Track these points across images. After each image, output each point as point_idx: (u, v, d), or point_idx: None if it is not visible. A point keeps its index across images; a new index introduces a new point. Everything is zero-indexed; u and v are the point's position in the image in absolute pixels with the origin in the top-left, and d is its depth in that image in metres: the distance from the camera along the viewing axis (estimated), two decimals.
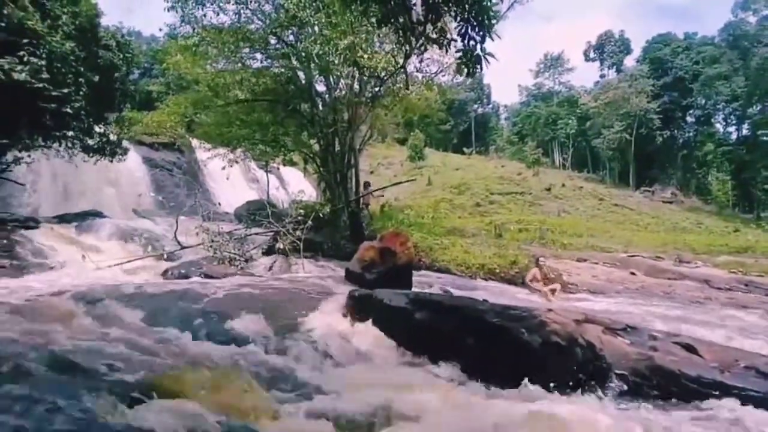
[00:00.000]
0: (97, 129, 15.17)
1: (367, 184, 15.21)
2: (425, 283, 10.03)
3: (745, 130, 58.45)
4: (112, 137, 16.13)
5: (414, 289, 8.03)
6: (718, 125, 61.04)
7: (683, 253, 18.72)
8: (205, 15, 14.62)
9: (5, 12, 10.85)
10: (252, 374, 4.00)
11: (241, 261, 11.19)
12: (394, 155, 55.48)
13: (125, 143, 17.16)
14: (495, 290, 10.83)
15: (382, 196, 15.58)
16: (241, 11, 14.71)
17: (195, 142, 23.46)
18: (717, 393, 4.12)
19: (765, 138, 52.86)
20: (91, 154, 15.29)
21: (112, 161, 16.07)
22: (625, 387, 4.40)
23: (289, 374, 4.13)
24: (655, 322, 7.36)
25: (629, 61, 68.25)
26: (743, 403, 3.94)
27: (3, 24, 10.88)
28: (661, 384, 4.35)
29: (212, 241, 11.53)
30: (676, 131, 59.74)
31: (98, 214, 15.70)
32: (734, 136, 59.72)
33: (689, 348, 4.86)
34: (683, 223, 38.73)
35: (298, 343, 4.89)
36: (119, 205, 20.68)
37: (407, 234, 10.58)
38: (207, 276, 9.34)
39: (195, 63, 15.42)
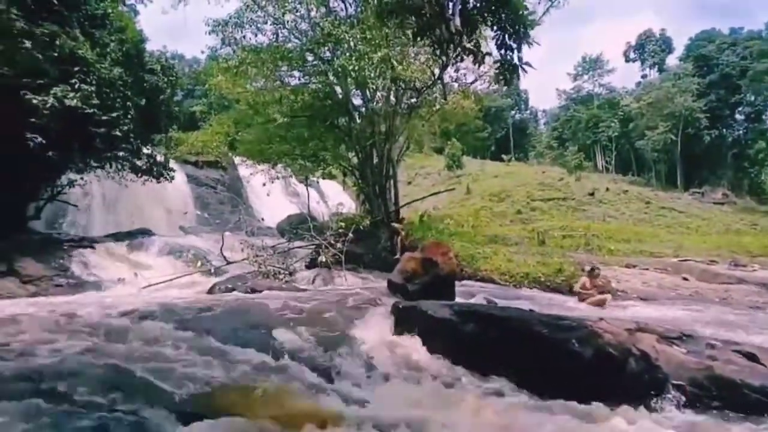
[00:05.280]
0: (144, 150, 15.73)
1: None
2: (468, 293, 9.89)
3: None
4: (159, 158, 16.70)
5: (457, 300, 7.96)
6: None
7: (738, 256, 17.94)
8: (244, 36, 15.12)
9: (58, 42, 11.44)
10: (300, 387, 4.05)
11: (285, 274, 11.35)
12: (431, 165, 55.37)
13: (171, 164, 17.71)
14: (541, 300, 10.58)
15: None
16: (279, 31, 15.13)
17: (237, 159, 24.07)
18: None
19: None
20: (139, 175, 15.86)
21: (159, 181, 16.61)
22: (683, 398, 4.21)
23: (336, 387, 4.15)
24: (712, 330, 7.04)
25: (671, 60, 66.60)
26: None
27: (56, 54, 11.47)
28: (721, 395, 4.15)
29: (256, 255, 11.77)
30: (724, 130, 57.46)
31: (147, 232, 16.24)
32: None
33: (751, 356, 4.63)
34: (736, 224, 37.10)
35: (343, 356, 4.91)
36: (167, 223, 21.31)
37: (448, 244, 10.50)
38: (253, 290, 9.50)
39: (236, 83, 15.89)
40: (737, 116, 58.45)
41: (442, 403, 3.89)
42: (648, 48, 68.79)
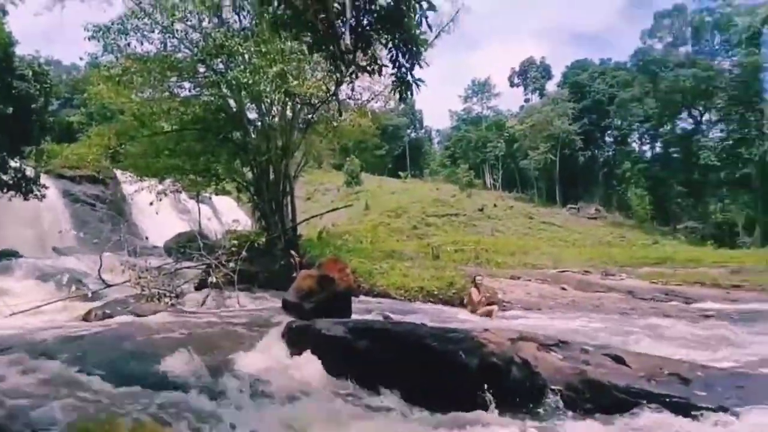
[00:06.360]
0: (12, 163, 14.25)
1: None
2: (365, 309, 9.97)
3: (658, 148, 62.97)
4: (29, 172, 15.18)
5: (354, 317, 7.96)
6: (634, 144, 65.45)
7: (609, 267, 19.69)
8: (128, 44, 14.17)
9: None
10: (181, 418, 3.80)
11: (172, 297, 10.67)
12: (330, 181, 55.49)
13: (43, 179, 16.17)
14: (434, 312, 10.92)
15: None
16: (167, 40, 14.37)
17: (120, 173, 22.54)
18: (645, 401, 4.27)
19: (675, 155, 57.18)
20: (4, 190, 14.28)
21: (27, 198, 15.06)
22: (561, 402, 4.47)
23: (222, 415, 3.93)
24: (586, 336, 7.64)
25: (551, 86, 72.15)
26: (668, 410, 4.11)
27: None
28: (593, 396, 4.46)
29: (139, 277, 10.97)
30: (596, 151, 63.55)
31: (14, 254, 14.63)
32: (649, 154, 64.14)
33: (618, 359, 5.04)
34: (607, 237, 40.89)
35: (231, 382, 4.68)
36: (38, 244, 19.35)
37: (345, 260, 10.51)
38: (135, 315, 8.84)
39: (119, 92, 14.90)
40: (607, 139, 64.93)
41: (331, 423, 3.83)
42: (530, 74, 74.12)
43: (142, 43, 14.27)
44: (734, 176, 50.93)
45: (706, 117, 57.14)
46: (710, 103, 54.64)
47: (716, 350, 7.24)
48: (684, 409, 4.13)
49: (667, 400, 4.27)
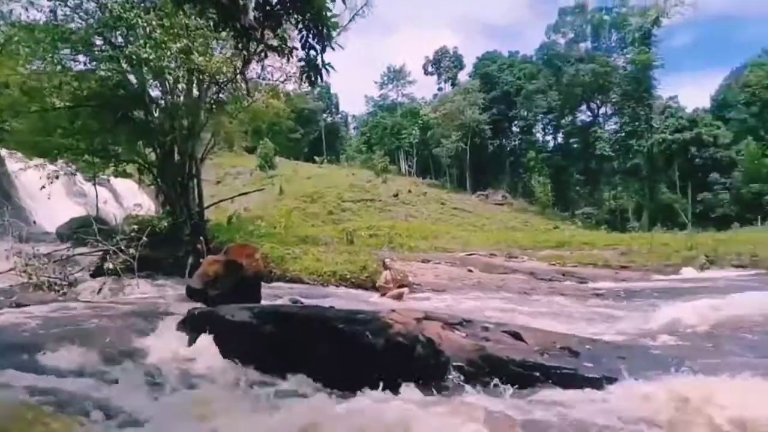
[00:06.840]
0: None
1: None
2: (276, 294, 9.81)
3: (560, 139, 67.08)
4: None
5: (263, 302, 7.80)
6: (538, 134, 69.38)
7: (513, 250, 20.75)
8: (11, 11, 12.85)
9: None
10: (72, 407, 3.55)
11: (64, 285, 9.91)
12: (243, 164, 53.88)
13: None
14: (346, 296, 10.99)
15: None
16: (58, 8, 13.16)
17: (5, 152, 20.54)
18: (538, 374, 4.54)
19: (575, 145, 61.13)
20: None
21: None
22: (462, 378, 4.64)
23: (114, 406, 3.70)
24: (489, 314, 8.00)
25: (463, 76, 74.32)
26: (558, 381, 4.39)
27: None
28: (492, 371, 4.65)
29: (26, 264, 10.07)
30: (504, 140, 66.59)
31: None
32: (551, 144, 68.14)
33: (515, 335, 5.30)
34: (512, 222, 43.11)
35: (127, 372, 4.42)
36: None
37: (255, 245, 10.28)
38: (19, 305, 8.10)
39: (2, 63, 13.53)
40: (514, 128, 68.19)
41: (234, 411, 3.74)
42: (443, 63, 75.88)
43: (27, 10, 13.00)
44: (626, 166, 55.60)
45: (602, 110, 61.66)
46: (606, 98, 58.97)
47: (604, 325, 7.87)
48: (573, 380, 4.43)
49: (558, 372, 4.56)
